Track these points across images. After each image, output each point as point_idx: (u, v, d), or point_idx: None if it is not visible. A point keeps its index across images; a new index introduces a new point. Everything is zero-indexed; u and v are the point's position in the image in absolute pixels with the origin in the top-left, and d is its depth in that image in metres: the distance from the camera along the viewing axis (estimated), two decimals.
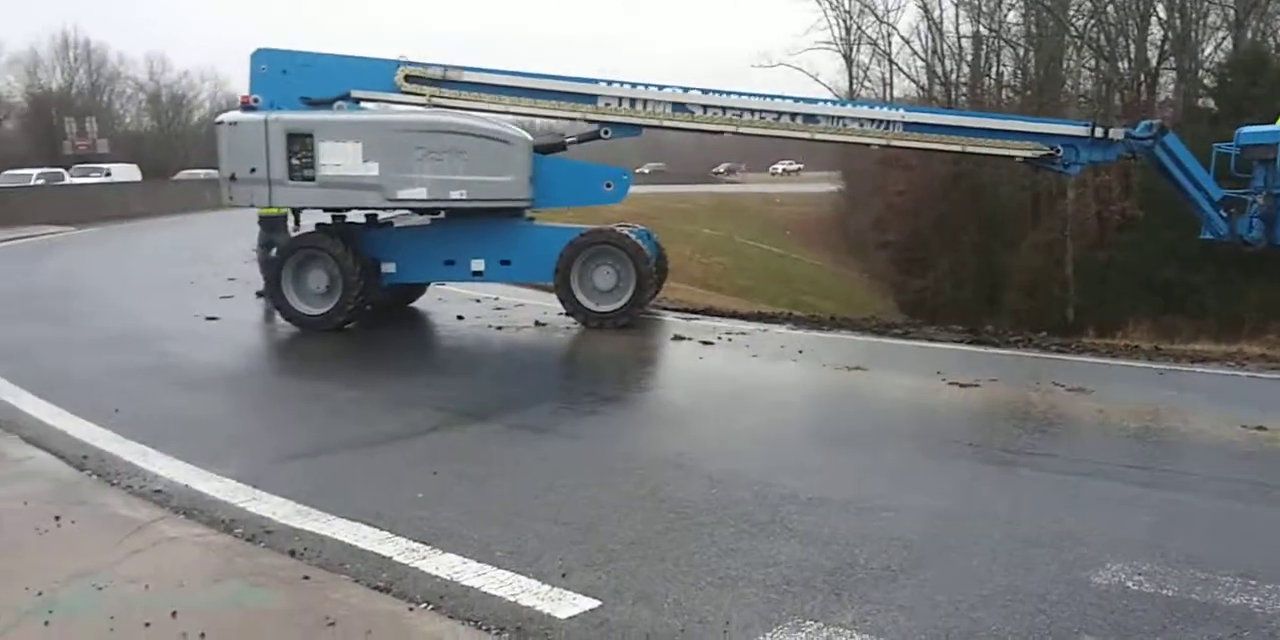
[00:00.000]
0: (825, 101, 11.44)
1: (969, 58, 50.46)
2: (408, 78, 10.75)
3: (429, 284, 12.42)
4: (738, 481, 5.36)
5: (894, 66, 54.42)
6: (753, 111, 10.91)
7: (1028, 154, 10.82)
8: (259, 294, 12.78)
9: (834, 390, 8.22)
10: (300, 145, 10.27)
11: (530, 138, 10.88)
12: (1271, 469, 5.71)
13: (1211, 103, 34.24)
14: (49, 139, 52.52)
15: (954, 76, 50.90)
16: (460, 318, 11.53)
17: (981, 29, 48.49)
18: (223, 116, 10.91)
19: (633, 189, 11.48)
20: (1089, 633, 3.60)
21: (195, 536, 4.53)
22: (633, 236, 11.00)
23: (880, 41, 54.89)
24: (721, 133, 11.26)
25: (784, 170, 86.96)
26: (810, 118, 10.99)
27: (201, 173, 45.64)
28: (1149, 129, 10.72)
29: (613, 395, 7.86)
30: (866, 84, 57.15)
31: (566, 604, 3.81)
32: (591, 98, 10.90)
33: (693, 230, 46.93)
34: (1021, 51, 47.03)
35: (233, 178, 10.41)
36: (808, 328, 11.21)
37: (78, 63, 62.97)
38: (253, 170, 10.32)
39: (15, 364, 8.71)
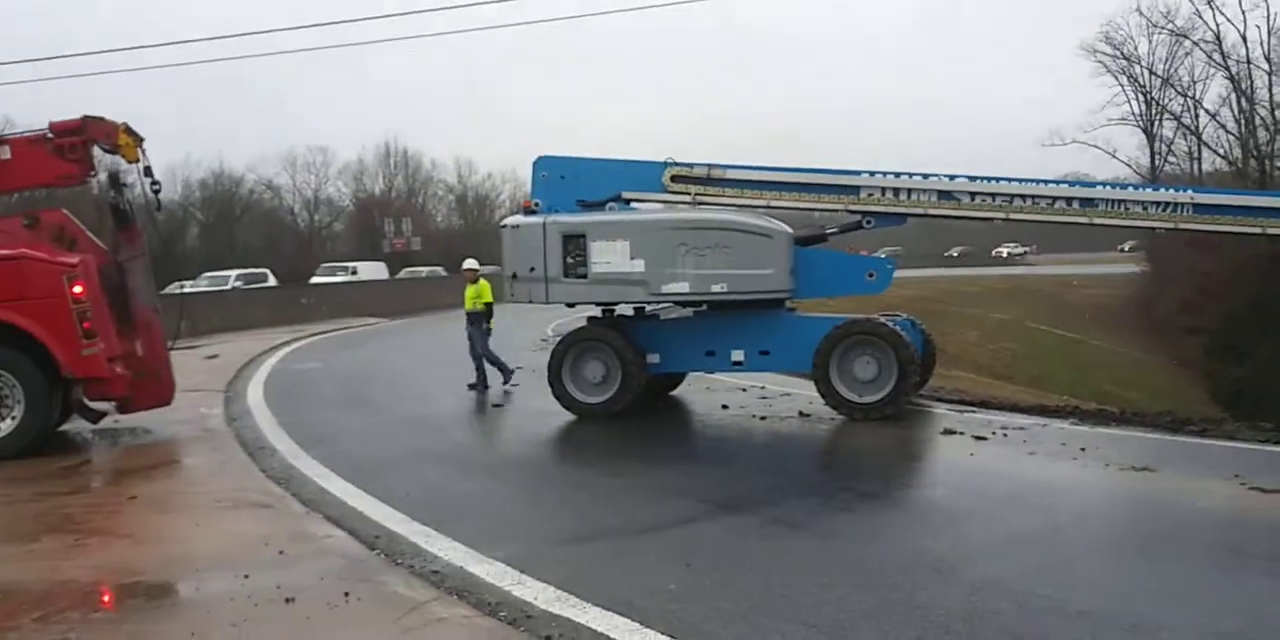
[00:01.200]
0: (1103, 185, 10.91)
1: None
2: (674, 178, 11.26)
3: (687, 373, 12.71)
4: (999, 589, 5.10)
5: (1200, 141, 50.79)
6: (1024, 197, 10.59)
7: None
8: (470, 386, 13.83)
9: (1115, 494, 7.64)
10: (574, 245, 10.93)
11: (790, 231, 11.05)
12: None
13: None
14: (370, 238, 58.55)
15: (1270, 149, 46.71)
16: (725, 407, 11.71)
17: None
18: (507, 221, 11.84)
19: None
20: None
21: (463, 617, 4.87)
22: (892, 325, 10.84)
23: (1185, 115, 51.53)
24: (991, 220, 11.01)
25: (1008, 253, 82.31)
26: (1088, 202, 10.53)
27: (424, 271, 48.05)
28: None
29: (872, 492, 7.71)
30: (1171, 159, 53.65)
31: None
32: (854, 189, 10.97)
33: (980, 314, 45.28)
34: None
35: (514, 276, 11.20)
36: (1093, 423, 10.49)
37: (396, 169, 70.35)
38: (532, 269, 11.06)
39: (328, 447, 9.72)
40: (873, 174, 10.98)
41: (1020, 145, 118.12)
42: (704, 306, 11.46)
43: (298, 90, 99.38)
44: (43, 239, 10.55)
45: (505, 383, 13.79)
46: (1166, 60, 51.37)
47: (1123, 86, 53.15)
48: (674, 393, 12.86)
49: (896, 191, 10.90)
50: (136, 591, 5.57)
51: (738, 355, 11.18)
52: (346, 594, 5.19)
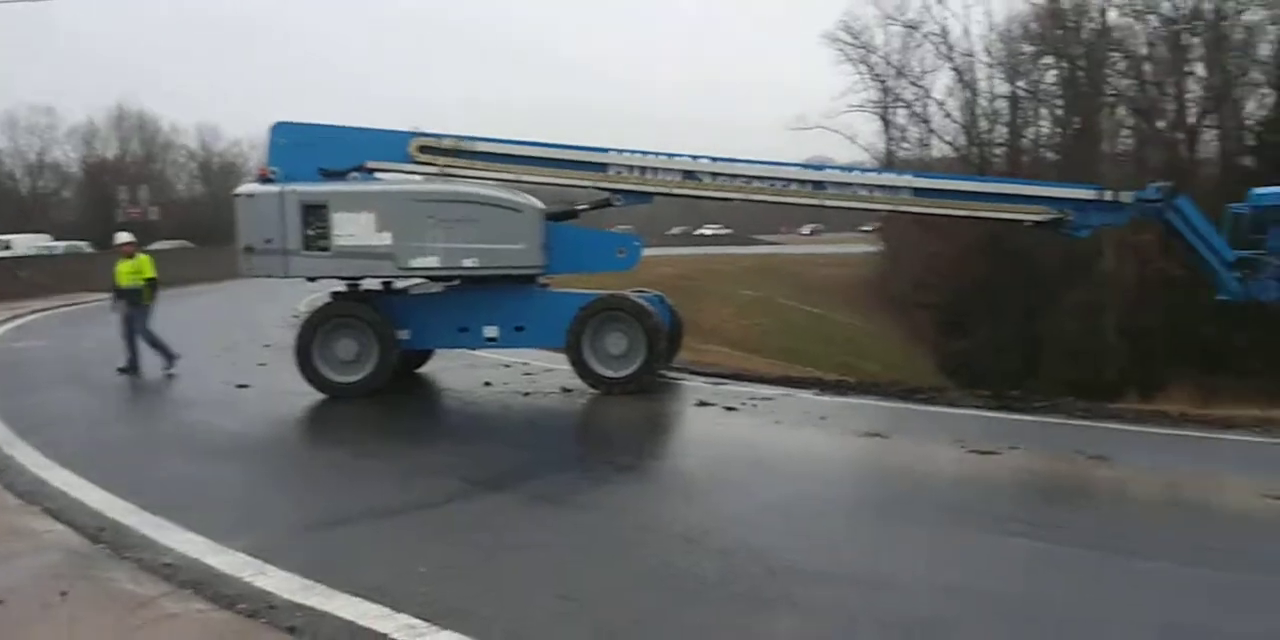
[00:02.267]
0: (832, 168, 11.55)
1: (1005, 118, 50.60)
2: (421, 148, 10.95)
3: (434, 351, 12.48)
4: (749, 555, 5.29)
5: (930, 128, 54.71)
6: (762, 179, 11.00)
7: (1037, 218, 10.74)
8: (121, 370, 12.77)
9: (853, 459, 8.13)
10: (315, 216, 10.42)
11: (542, 205, 11.02)
12: None
13: (1249, 160, 33.97)
14: (103, 206, 54.03)
15: (990, 137, 50.99)
16: (488, 384, 11.58)
17: (1017, 89, 48.69)
18: (239, 189, 11.09)
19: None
20: None
21: (196, 612, 4.54)
22: (643, 302, 11.06)
23: (917, 104, 55.28)
24: (731, 200, 11.35)
25: (812, 231, 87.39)
26: (818, 184, 11.07)
27: (169, 244, 45.29)
28: (1158, 192, 10.62)
29: (630, 464, 7.83)
30: (904, 146, 57.34)
31: None
32: (602, 166, 11.06)
33: (733, 291, 47.07)
34: (1060, 111, 47.13)
35: (249, 249, 10.55)
36: (833, 393, 11.11)
37: (130, 133, 65.11)
38: (268, 241, 10.46)
39: (47, 434, 8.87)
40: (620, 152, 11.11)
41: (775, 129, 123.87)
42: (456, 281, 11.25)
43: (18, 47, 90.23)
44: None
45: (167, 369, 12.70)
46: (900, 51, 54.87)
47: (861, 75, 56.25)
48: (425, 370, 12.59)
49: (643, 170, 11.06)
50: None
51: (491, 331, 11.08)
52: (64, 593, 4.74)
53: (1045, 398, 10.57)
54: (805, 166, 11.41)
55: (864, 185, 11.04)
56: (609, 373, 10.82)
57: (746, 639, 4.16)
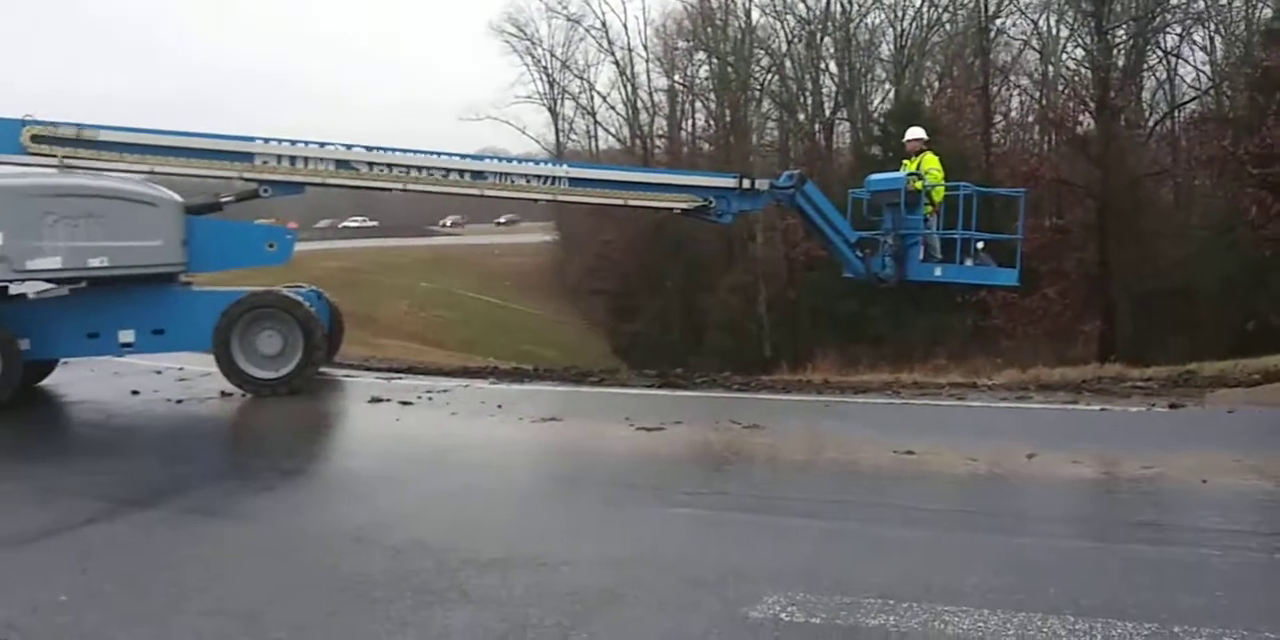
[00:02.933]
0: (491, 158, 11.73)
1: (664, 111, 53.14)
2: (34, 138, 9.93)
3: (59, 361, 11.36)
4: (420, 550, 5.25)
5: (595, 120, 56.45)
6: (420, 169, 10.91)
7: (684, 205, 11.44)
8: None
9: (528, 445, 8.27)
10: None
11: (179, 199, 10.32)
12: (917, 492, 6.26)
13: (877, 150, 37.79)
14: None
15: (652, 129, 53.42)
16: (135, 392, 10.66)
17: (674, 83, 51.27)
18: None
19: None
20: None
21: None
22: (296, 296, 10.68)
23: (583, 96, 56.81)
24: (389, 190, 11.19)
25: (452, 223, 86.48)
26: (478, 174, 11.18)
27: None
28: (790, 179, 11.63)
29: (295, 468, 7.52)
30: (573, 137, 58.90)
31: None
32: (248, 156, 10.54)
33: (410, 284, 46.32)
34: (713, 105, 50.12)
35: None
36: (510, 381, 11.26)
37: None
38: None
39: None
40: (267, 141, 10.63)
41: (446, 119, 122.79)
42: (83, 283, 10.29)
43: None
44: None
45: None
46: (564, 44, 56.20)
47: (528, 66, 57.19)
48: (59, 381, 11.42)
49: (293, 159, 10.65)
50: None
51: (127, 336, 10.25)
52: None
53: (706, 374, 11.30)
54: (466, 156, 11.44)
55: (523, 175, 11.23)
56: (264, 373, 10.32)
57: (417, 635, 4.13)
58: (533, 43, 56.33)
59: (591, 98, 56.54)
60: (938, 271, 11.61)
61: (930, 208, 11.63)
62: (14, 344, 9.78)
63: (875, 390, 10.03)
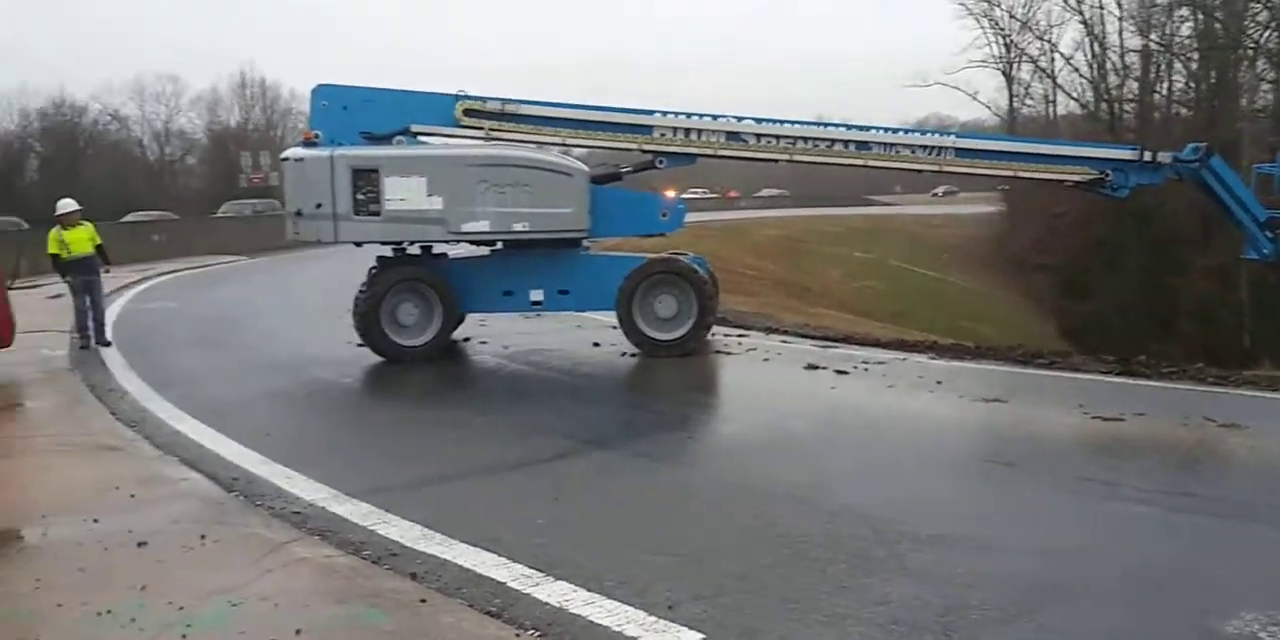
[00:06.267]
0: (877, 129, 11.35)
1: (1136, 73, 48.24)
2: (466, 112, 10.91)
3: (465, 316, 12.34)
4: (857, 516, 5.28)
5: (1056, 84, 52.64)
6: (806, 140, 11.02)
7: (1077, 178, 10.92)
8: (106, 343, 12.24)
9: (969, 424, 7.98)
10: (366, 181, 10.40)
11: (588, 169, 11.04)
12: None
13: None
14: (227, 173, 55.99)
15: (1120, 93, 48.74)
16: (596, 344, 11.71)
17: (1149, 43, 46.33)
18: (287, 153, 11.14)
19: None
20: None
21: (324, 557, 4.77)
22: (695, 265, 11.13)
23: (1042, 59, 53.18)
24: (775, 161, 11.36)
25: (944, 192, 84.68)
26: (863, 145, 11.07)
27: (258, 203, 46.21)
28: (1196, 152, 10.71)
29: (739, 425, 7.86)
30: (1029, 102, 55.44)
31: (670, 637, 3.84)
32: (646, 129, 11.03)
33: (844, 253, 46.39)
34: (1194, 65, 44.72)
35: (299, 213, 10.60)
36: (950, 357, 10.91)
37: (253, 100, 67.04)
38: (318, 206, 10.44)
39: (183, 389, 9.34)
40: (665, 114, 11.06)
41: (888, 88, 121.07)
42: (498, 245, 11.33)
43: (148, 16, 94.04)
44: None
45: (97, 343, 12.25)
46: (1025, 4, 52.74)
47: (984, 29, 54.37)
48: (532, 328, 12.74)
49: (687, 132, 11.03)
50: None
51: (536, 295, 11.18)
52: (203, 536, 5.02)
53: (1174, 364, 10.21)
54: (850, 127, 11.43)
55: (908, 145, 11.06)
56: (659, 335, 10.89)
57: (858, 602, 4.15)
58: (990, 3, 53.48)
59: (1052, 60, 52.66)
60: None
61: None
62: (453, 296, 10.96)
63: None
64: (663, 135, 11.05)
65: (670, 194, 11.76)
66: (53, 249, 12.30)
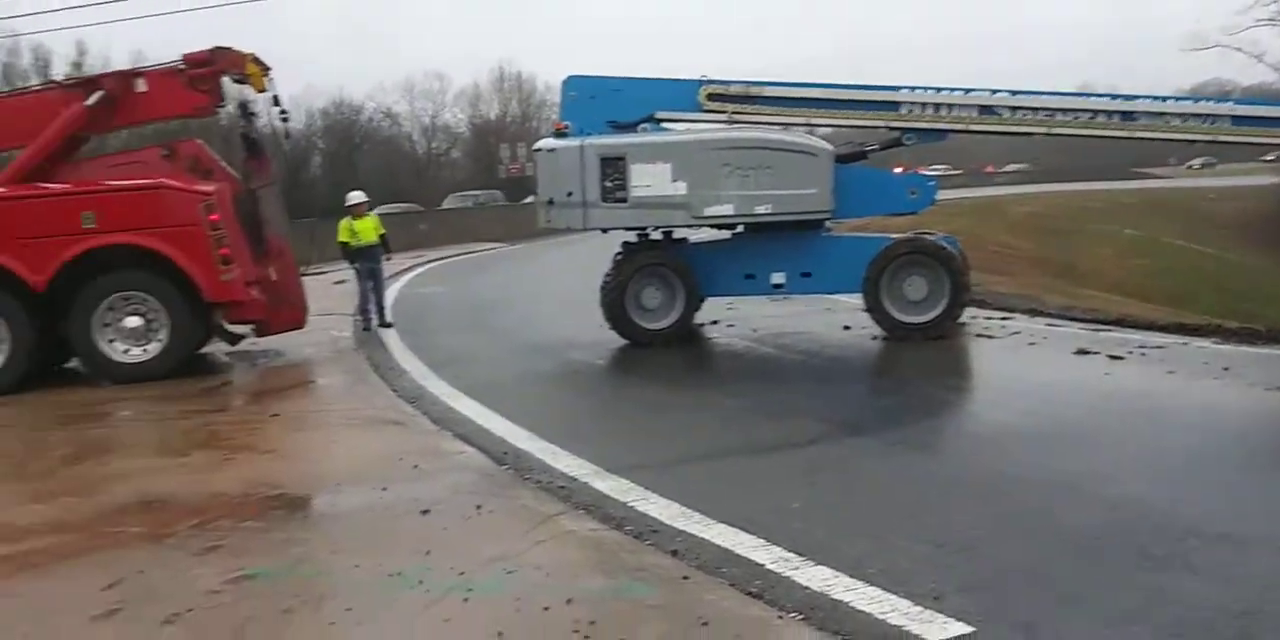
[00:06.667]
0: (1144, 98, 10.39)
1: None
2: (710, 96, 10.86)
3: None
4: (1138, 509, 4.96)
5: None
6: (1065, 111, 10.34)
7: None
8: (386, 324, 13.11)
9: (1261, 414, 7.29)
10: (613, 168, 10.58)
11: (832, 148, 10.75)
12: None
13: None
14: (486, 164, 59.03)
15: None
16: (846, 328, 11.53)
17: None
18: (540, 144, 11.46)
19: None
20: None
21: (589, 531, 4.98)
22: (947, 245, 10.64)
23: None
24: (1031, 134, 10.75)
25: (1201, 164, 77.32)
26: (1128, 115, 10.24)
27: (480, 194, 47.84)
28: None
29: (1005, 412, 7.51)
30: None
31: (937, 627, 3.74)
32: (894, 105, 10.63)
33: (1111, 230, 43.41)
34: None
35: (550, 202, 10.90)
36: (1237, 342, 9.99)
37: (510, 93, 70.25)
38: (569, 194, 10.72)
39: (455, 369, 9.97)
40: (913, 89, 10.61)
41: (1160, 53, 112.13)
42: (739, 228, 11.22)
43: (416, 17, 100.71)
44: (179, 169, 10.91)
45: (379, 325, 13.23)
46: None
47: None
48: (785, 312, 12.71)
49: (937, 107, 10.55)
50: (280, 503, 5.85)
51: (778, 278, 11.01)
52: (479, 507, 5.36)
53: None
54: (1115, 96, 10.62)
55: (1179, 114, 10.19)
56: (908, 318, 10.51)
57: (1142, 600, 3.90)
58: None
59: None
60: None
61: None
62: (694, 280, 10.99)
63: None
64: (910, 111, 10.71)
65: (898, 170, 11.43)
66: (343, 237, 13.45)
